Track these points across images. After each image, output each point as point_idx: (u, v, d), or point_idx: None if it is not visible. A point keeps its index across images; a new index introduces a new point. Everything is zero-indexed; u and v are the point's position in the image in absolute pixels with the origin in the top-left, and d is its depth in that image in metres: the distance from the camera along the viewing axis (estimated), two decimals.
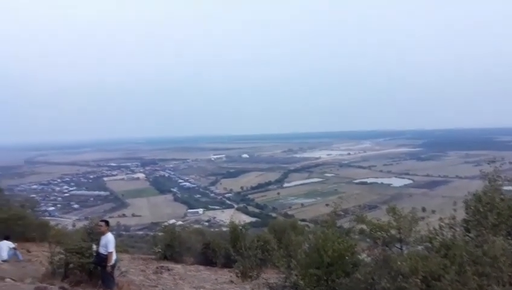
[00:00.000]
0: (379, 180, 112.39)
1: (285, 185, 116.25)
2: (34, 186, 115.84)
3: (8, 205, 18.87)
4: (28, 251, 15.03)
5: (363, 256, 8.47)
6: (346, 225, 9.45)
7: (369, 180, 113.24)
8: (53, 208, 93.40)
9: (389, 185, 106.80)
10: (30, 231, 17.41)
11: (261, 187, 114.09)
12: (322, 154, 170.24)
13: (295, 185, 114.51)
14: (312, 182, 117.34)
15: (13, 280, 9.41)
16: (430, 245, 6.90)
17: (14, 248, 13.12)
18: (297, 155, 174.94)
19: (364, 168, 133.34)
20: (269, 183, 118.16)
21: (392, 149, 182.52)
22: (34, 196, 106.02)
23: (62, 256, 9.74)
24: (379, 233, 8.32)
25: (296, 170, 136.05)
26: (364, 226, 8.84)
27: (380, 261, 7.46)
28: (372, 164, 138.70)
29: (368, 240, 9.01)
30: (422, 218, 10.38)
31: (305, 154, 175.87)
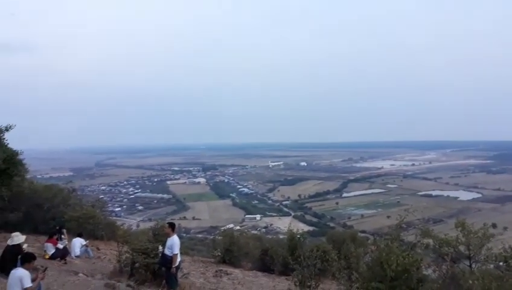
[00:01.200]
0: (445, 193, 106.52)
1: (345, 194, 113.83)
2: (103, 188, 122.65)
3: (80, 205, 20.15)
4: (98, 249, 15.93)
5: (429, 272, 8.10)
6: (410, 239, 9.11)
7: (434, 193, 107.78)
8: (119, 208, 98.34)
9: (455, 198, 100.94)
10: (99, 229, 18.49)
11: (319, 196, 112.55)
12: (385, 164, 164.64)
13: (355, 195, 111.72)
14: (373, 193, 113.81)
15: (85, 275, 10.03)
16: (504, 265, 6.47)
17: (86, 245, 13.96)
18: (358, 165, 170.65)
19: (429, 179, 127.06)
20: (327, 192, 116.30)
21: (460, 161, 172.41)
22: (102, 196, 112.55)
23: (129, 255, 10.23)
24: (446, 249, 7.93)
25: (356, 180, 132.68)
26: (430, 241, 8.46)
27: (448, 279, 7.11)
28: (438, 175, 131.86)
29: (432, 255, 8.60)
30: (493, 235, 9.74)
31: (366, 164, 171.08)
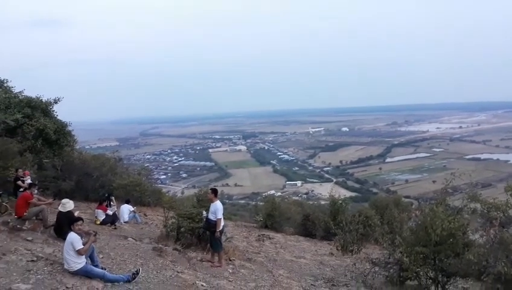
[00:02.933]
0: (494, 156, 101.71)
1: (388, 160, 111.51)
2: (148, 156, 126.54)
3: (127, 173, 20.89)
4: (145, 215, 16.60)
5: (476, 237, 7.90)
6: (456, 203, 8.86)
7: (482, 156, 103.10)
8: (164, 176, 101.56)
9: (506, 161, 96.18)
10: (145, 196, 19.13)
11: (361, 162, 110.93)
12: (430, 128, 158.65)
13: (399, 161, 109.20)
14: (418, 157, 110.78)
15: (134, 239, 10.52)
16: None
17: (134, 211, 14.58)
18: (402, 128, 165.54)
19: (478, 142, 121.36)
20: (370, 157, 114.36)
21: None
22: (147, 165, 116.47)
23: (175, 221, 10.59)
24: (495, 213, 7.65)
25: (401, 144, 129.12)
26: (477, 205, 8.19)
27: (496, 243, 6.90)
28: (487, 138, 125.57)
29: (479, 220, 8.34)
30: None
31: (411, 128, 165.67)
